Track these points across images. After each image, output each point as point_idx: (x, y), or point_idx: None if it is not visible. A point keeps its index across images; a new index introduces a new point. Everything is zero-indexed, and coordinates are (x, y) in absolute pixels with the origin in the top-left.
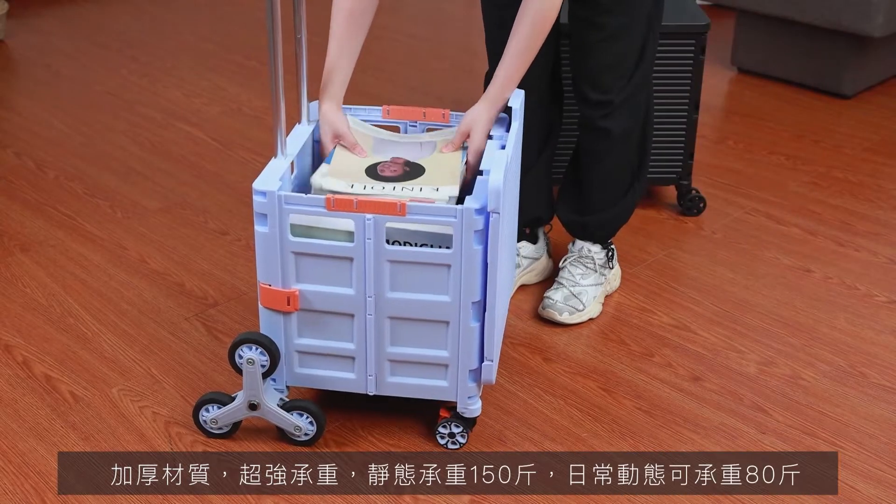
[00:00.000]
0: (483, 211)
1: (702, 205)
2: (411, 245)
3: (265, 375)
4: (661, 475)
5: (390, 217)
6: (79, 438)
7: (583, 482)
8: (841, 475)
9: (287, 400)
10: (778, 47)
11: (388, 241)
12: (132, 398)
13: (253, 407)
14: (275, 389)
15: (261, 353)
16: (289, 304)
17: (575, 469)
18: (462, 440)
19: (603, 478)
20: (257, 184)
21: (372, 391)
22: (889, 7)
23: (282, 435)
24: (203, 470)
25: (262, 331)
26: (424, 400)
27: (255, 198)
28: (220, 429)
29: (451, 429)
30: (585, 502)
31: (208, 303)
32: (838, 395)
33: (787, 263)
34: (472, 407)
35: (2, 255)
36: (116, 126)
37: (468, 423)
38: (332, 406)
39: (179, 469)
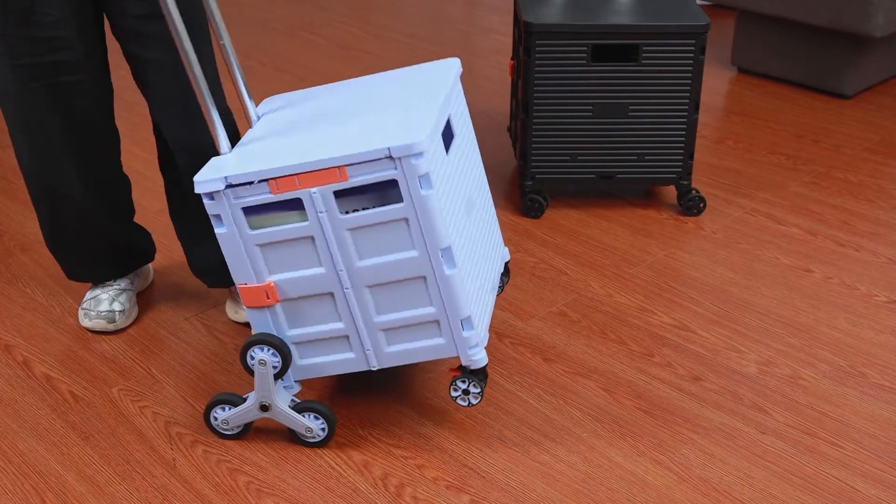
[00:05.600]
0: (420, 155)
1: (702, 205)
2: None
3: (277, 377)
4: (661, 475)
5: (335, 185)
6: (79, 438)
7: (583, 482)
8: (841, 475)
9: (298, 401)
10: (778, 47)
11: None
12: (132, 398)
13: (264, 408)
14: (284, 388)
15: (272, 354)
16: (268, 298)
17: (575, 469)
18: (475, 399)
19: (603, 478)
20: (199, 187)
21: (375, 365)
22: (889, 7)
23: (293, 436)
24: (203, 470)
25: (254, 331)
26: (423, 397)
27: (205, 201)
28: (232, 430)
29: (464, 385)
30: (586, 502)
31: (208, 303)
32: (838, 395)
33: (787, 263)
34: (476, 357)
35: (2, 255)
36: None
37: (478, 377)
38: (332, 406)
39: (179, 469)
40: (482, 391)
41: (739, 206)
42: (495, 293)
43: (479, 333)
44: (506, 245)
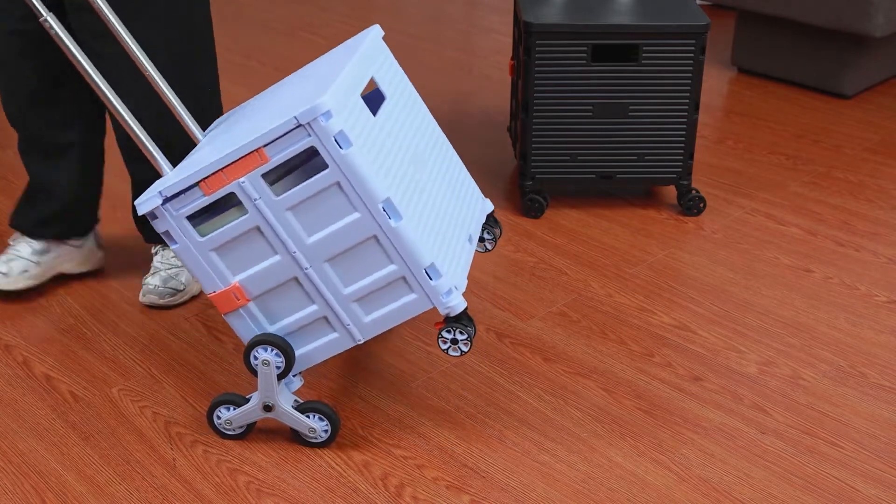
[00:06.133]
0: (328, 115)
1: (702, 205)
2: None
3: (280, 377)
4: (661, 475)
5: (260, 169)
6: (79, 438)
7: (583, 482)
8: (841, 475)
9: (301, 402)
10: (778, 47)
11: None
12: (132, 398)
13: (268, 408)
14: (286, 383)
15: (276, 354)
16: (238, 299)
17: (575, 469)
18: (465, 346)
19: (603, 478)
20: (140, 209)
21: (359, 338)
22: (889, 7)
23: (295, 437)
24: (203, 470)
25: (240, 335)
26: (423, 397)
27: (152, 223)
28: (235, 430)
29: (451, 335)
30: (586, 502)
31: (208, 303)
32: (838, 395)
33: (787, 263)
34: (452, 303)
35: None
36: None
37: (462, 323)
38: (332, 406)
39: (179, 469)
40: (470, 337)
41: (739, 206)
42: (474, 242)
43: (448, 279)
44: (506, 245)
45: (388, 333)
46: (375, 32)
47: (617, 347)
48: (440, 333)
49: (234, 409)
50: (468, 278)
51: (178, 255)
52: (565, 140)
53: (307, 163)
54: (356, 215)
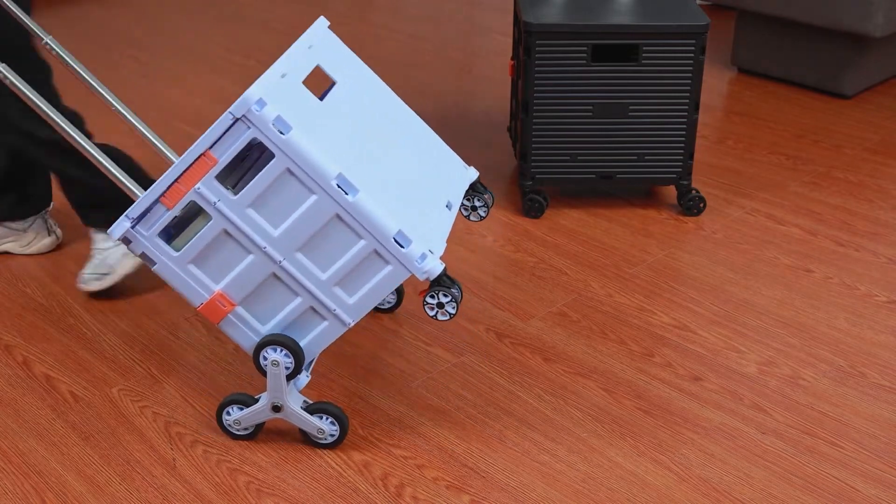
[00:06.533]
0: (261, 103)
1: (702, 205)
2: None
3: (289, 377)
4: (661, 475)
5: (212, 171)
6: (79, 438)
7: (583, 482)
8: (841, 475)
9: (311, 402)
10: (778, 47)
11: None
12: (132, 398)
13: (276, 409)
14: (294, 385)
15: (285, 354)
16: (225, 306)
17: (575, 469)
18: (452, 308)
19: (603, 478)
20: (114, 235)
21: (349, 321)
22: (889, 7)
23: (305, 437)
24: (203, 470)
25: (236, 342)
26: (423, 397)
27: (128, 248)
28: (244, 430)
29: (434, 300)
30: (586, 502)
31: None
32: (838, 395)
33: (787, 263)
34: (428, 267)
35: (2, 256)
36: (117, 126)
37: (445, 285)
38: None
39: (179, 469)
40: (455, 298)
41: (739, 206)
42: (454, 209)
43: (421, 245)
44: (506, 245)
45: (388, 334)
46: (320, 23)
47: (617, 347)
48: (424, 300)
49: (244, 409)
50: (470, 278)
51: (160, 275)
52: (565, 140)
53: (261, 158)
54: (314, 197)
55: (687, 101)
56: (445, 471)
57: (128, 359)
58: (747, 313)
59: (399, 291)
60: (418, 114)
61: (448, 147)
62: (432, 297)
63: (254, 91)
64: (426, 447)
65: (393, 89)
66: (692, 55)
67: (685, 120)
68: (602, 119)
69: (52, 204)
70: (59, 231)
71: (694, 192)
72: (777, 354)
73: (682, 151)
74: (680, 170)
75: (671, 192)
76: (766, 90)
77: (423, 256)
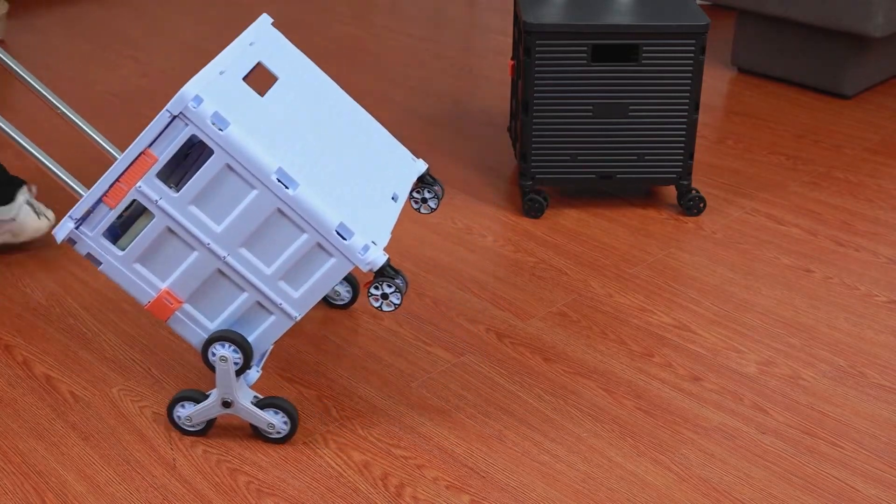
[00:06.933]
0: (198, 100)
1: (702, 205)
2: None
3: (238, 373)
4: (661, 475)
5: (152, 169)
6: (79, 438)
7: (583, 482)
8: (841, 475)
9: (261, 397)
10: (778, 47)
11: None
12: (132, 398)
13: (227, 405)
14: (244, 381)
15: (234, 350)
16: (172, 303)
17: (575, 469)
18: (396, 298)
19: (603, 478)
20: (58, 237)
21: (295, 315)
22: (889, 7)
23: (256, 433)
24: (203, 470)
25: (186, 339)
26: (423, 397)
27: (74, 249)
28: (195, 426)
29: (378, 291)
30: (586, 502)
31: None
32: (838, 395)
33: (787, 263)
34: (370, 259)
35: (2, 256)
36: (117, 126)
37: (388, 276)
38: (332, 406)
39: (179, 469)
40: (399, 288)
41: (739, 206)
42: (400, 201)
43: (363, 236)
44: (506, 245)
45: (388, 334)
46: (262, 20)
47: (617, 347)
48: (369, 291)
49: (194, 405)
50: (470, 278)
51: (106, 275)
52: (565, 140)
53: (202, 155)
54: (255, 192)
55: (687, 101)
56: (445, 471)
57: (128, 359)
58: (747, 313)
59: (353, 286)
60: (418, 114)
61: (395, 140)
62: (376, 288)
63: (190, 88)
64: (426, 447)
65: (393, 89)
66: (692, 55)
67: (685, 120)
68: (602, 119)
69: (32, 187)
70: (49, 213)
71: (694, 192)
72: (777, 354)
73: (682, 151)
74: (680, 170)
75: (671, 192)
76: (765, 90)
77: (366, 248)
